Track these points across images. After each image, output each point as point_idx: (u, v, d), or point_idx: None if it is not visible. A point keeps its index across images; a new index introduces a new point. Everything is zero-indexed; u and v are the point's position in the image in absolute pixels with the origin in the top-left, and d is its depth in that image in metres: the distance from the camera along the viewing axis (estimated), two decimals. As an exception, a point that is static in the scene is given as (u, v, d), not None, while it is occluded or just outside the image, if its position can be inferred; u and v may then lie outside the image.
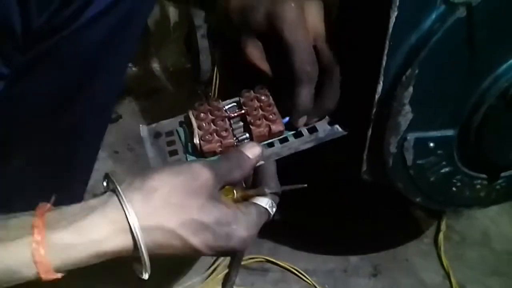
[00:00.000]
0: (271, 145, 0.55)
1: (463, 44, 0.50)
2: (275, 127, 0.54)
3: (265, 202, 0.48)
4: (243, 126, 0.55)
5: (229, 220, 0.44)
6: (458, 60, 0.51)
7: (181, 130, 0.56)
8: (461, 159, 0.59)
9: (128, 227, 0.40)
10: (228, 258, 0.78)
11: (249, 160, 0.48)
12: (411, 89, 0.51)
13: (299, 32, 0.52)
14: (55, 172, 0.62)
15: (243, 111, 0.55)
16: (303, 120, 0.55)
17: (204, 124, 0.53)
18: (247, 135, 0.54)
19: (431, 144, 0.56)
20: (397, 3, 0.47)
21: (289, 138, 0.55)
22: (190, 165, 0.44)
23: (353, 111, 0.56)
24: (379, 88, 0.53)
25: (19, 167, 0.59)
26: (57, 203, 0.41)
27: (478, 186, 0.62)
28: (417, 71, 0.50)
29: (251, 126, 0.54)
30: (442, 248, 0.84)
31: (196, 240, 0.42)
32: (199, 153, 0.53)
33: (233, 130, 0.54)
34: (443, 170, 0.59)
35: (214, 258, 0.78)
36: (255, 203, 0.48)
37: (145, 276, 0.42)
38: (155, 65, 1.21)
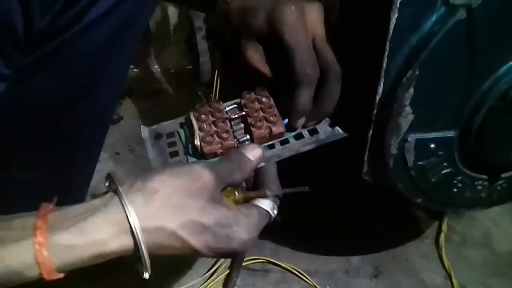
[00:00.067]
0: (271, 146, 0.55)
1: (463, 46, 0.50)
2: (276, 129, 0.54)
3: (266, 204, 0.48)
4: (243, 127, 0.55)
5: (230, 221, 0.44)
6: (458, 62, 0.51)
7: (182, 132, 0.56)
8: (462, 160, 0.59)
9: (129, 228, 0.40)
10: (229, 259, 0.78)
11: (250, 162, 0.48)
12: (411, 90, 0.51)
13: (299, 35, 0.52)
14: (57, 174, 0.62)
15: (244, 113, 0.55)
16: (301, 121, 0.55)
17: (205, 126, 0.53)
18: (248, 136, 0.54)
19: (432, 145, 0.56)
20: (398, 5, 0.47)
21: (290, 140, 0.55)
22: (191, 167, 0.44)
23: (354, 112, 0.56)
24: (380, 89, 0.53)
25: (21, 169, 0.59)
26: (59, 204, 0.41)
27: (479, 187, 0.62)
28: (417, 73, 0.50)
29: (251, 128, 0.54)
30: (443, 249, 0.84)
31: (196, 241, 0.42)
32: (199, 155, 0.53)
33: (233, 131, 0.54)
34: (444, 171, 0.59)
35: (215, 259, 0.78)
36: (256, 205, 0.47)
37: (146, 276, 0.42)
38: (156, 67, 1.22)
